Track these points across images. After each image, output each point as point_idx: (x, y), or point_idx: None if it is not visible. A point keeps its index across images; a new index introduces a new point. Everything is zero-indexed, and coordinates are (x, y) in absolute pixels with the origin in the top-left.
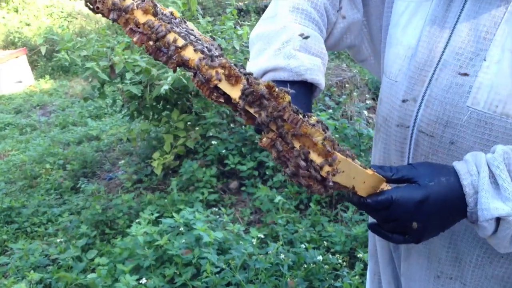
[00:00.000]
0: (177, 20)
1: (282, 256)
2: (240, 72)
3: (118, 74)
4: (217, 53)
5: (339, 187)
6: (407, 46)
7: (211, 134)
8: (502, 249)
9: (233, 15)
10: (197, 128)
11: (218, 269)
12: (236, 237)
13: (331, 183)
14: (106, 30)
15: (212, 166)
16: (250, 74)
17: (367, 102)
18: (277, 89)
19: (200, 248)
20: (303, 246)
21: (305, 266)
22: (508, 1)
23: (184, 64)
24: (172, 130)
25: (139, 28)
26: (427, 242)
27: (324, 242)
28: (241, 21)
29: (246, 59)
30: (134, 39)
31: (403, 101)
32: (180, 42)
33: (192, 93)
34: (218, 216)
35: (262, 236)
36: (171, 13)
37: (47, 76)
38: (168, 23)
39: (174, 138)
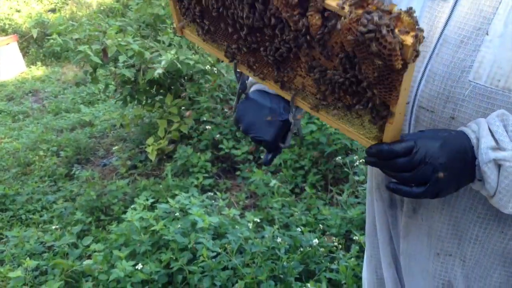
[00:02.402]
0: None
1: (278, 239)
2: None
3: (111, 57)
4: None
5: (393, 87)
6: None
7: (205, 119)
8: (507, 208)
9: None
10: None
11: (215, 254)
12: (232, 221)
13: (414, 56)
14: (98, 14)
15: (207, 151)
16: None
17: None
18: None
19: (196, 233)
20: (298, 229)
21: (301, 249)
22: None
23: None
24: (166, 115)
25: None
26: (427, 218)
27: (320, 225)
28: None
29: None
30: None
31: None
32: None
33: (186, 77)
34: (213, 201)
35: (258, 220)
36: None
37: (39, 63)
38: None
39: (168, 123)
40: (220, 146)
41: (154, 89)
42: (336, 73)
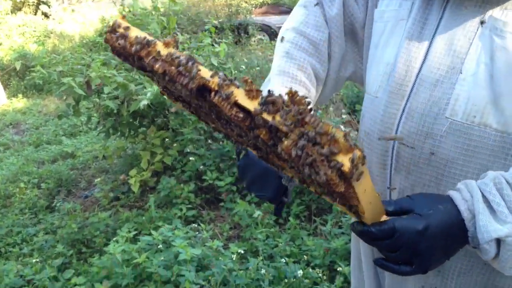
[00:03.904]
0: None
1: (262, 271)
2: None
3: (94, 90)
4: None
5: (351, 197)
6: (386, 64)
7: (188, 150)
8: (507, 271)
9: (211, 32)
10: (174, 145)
11: (198, 286)
12: (215, 253)
13: (354, 178)
14: (81, 48)
15: (190, 182)
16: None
17: (343, 116)
18: (298, 95)
19: (179, 265)
20: (283, 260)
21: (286, 280)
22: (480, 17)
23: (204, 84)
24: (149, 147)
25: (159, 59)
26: None
27: (304, 256)
28: (217, 38)
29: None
30: (156, 66)
31: (383, 115)
32: (200, 66)
33: (169, 109)
34: (197, 232)
35: (242, 252)
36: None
37: (20, 95)
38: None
39: (151, 155)
40: (204, 177)
41: (137, 121)
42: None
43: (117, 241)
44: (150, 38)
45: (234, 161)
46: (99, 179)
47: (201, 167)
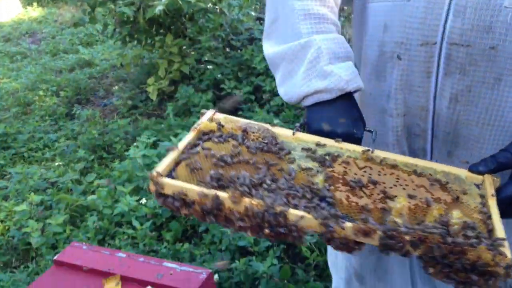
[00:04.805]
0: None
1: None
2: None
3: None
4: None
5: None
6: None
7: (206, 59)
8: None
9: None
10: (192, 53)
11: None
12: None
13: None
14: None
15: (208, 91)
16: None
17: None
18: (422, 234)
19: None
20: None
21: None
22: None
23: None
24: (166, 56)
25: (244, 220)
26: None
27: None
28: None
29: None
30: (247, 234)
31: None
32: (292, 216)
33: (186, 16)
34: None
35: None
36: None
37: (35, 4)
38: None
39: (169, 64)
40: (222, 86)
41: (154, 29)
42: None
43: (137, 147)
44: (213, 201)
45: (252, 70)
46: (117, 87)
47: (219, 76)
